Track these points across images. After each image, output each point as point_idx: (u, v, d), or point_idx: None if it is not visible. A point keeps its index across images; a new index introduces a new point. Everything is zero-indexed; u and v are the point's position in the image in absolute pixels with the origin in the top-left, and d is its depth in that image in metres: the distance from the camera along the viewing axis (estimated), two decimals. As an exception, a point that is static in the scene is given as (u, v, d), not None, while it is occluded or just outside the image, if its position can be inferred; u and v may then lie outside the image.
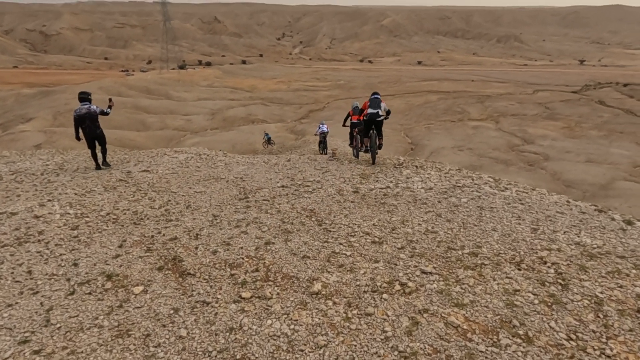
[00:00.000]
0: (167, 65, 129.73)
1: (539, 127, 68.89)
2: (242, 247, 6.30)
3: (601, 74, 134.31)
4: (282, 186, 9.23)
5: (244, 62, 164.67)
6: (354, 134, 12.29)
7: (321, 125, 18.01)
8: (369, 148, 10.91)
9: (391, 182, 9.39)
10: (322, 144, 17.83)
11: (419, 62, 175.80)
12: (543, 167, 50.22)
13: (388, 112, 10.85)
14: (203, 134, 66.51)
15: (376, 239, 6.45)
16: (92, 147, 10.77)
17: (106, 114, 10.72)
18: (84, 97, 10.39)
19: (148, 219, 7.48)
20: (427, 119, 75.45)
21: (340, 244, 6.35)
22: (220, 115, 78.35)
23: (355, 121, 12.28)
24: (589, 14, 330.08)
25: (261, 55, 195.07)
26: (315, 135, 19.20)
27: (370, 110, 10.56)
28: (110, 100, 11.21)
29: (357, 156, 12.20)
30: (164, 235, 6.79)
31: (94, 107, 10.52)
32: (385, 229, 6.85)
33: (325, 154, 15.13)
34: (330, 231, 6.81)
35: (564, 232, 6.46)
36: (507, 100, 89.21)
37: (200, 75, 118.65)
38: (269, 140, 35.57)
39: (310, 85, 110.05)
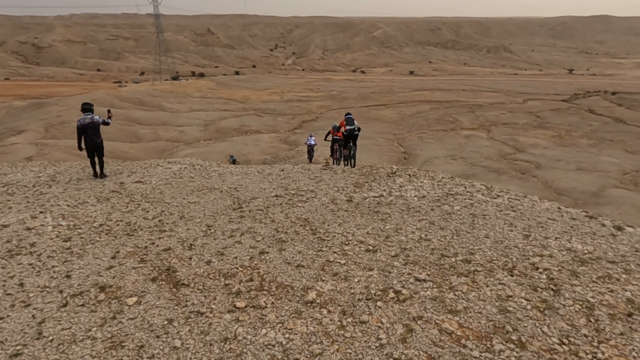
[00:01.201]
0: (160, 77, 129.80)
1: (530, 135, 69.64)
2: (236, 257, 6.29)
3: (590, 82, 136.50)
4: (276, 196, 9.24)
5: (237, 73, 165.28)
6: (335, 147, 14.60)
7: (309, 138, 21.09)
8: (349, 157, 13.02)
9: (384, 190, 9.42)
10: (309, 154, 20.43)
11: (411, 72, 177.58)
12: (535, 175, 50.64)
13: (359, 129, 13.14)
14: (196, 145, 66.37)
15: (370, 248, 6.46)
16: (92, 156, 10.98)
17: (107, 124, 11.02)
18: (87, 108, 10.70)
19: (141, 230, 7.46)
20: (419, 129, 75.98)
21: (335, 252, 6.36)
22: (214, 126, 78.33)
23: (336, 137, 14.44)
24: (577, 24, 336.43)
25: (254, 67, 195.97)
26: (305, 144, 21.97)
27: (348, 127, 12.83)
28: (109, 111, 11.45)
29: (337, 164, 14.13)
30: (157, 246, 6.76)
31: (97, 117, 10.81)
32: (379, 237, 6.87)
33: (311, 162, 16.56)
34: (324, 240, 6.82)
35: (556, 238, 6.53)
36: (498, 110, 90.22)
37: (193, 87, 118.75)
38: (234, 162, 35.95)
39: (303, 95, 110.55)
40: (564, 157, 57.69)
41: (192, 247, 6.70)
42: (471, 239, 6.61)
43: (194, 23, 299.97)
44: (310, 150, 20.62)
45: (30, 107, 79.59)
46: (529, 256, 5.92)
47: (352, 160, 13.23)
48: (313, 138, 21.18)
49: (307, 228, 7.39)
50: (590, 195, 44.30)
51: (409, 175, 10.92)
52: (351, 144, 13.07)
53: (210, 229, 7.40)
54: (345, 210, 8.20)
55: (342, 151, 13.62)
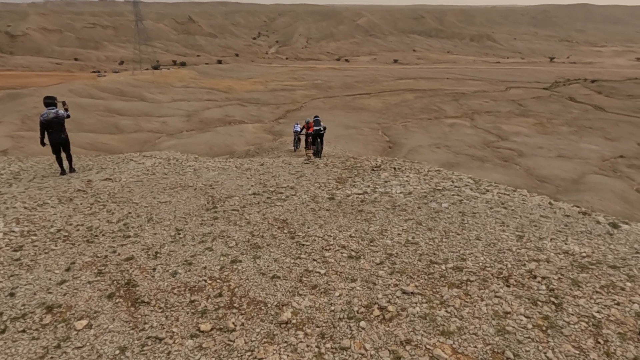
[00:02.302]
0: (140, 66, 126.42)
1: (513, 123, 70.06)
2: (205, 267, 5.70)
3: (570, 71, 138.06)
4: (254, 194, 8.70)
5: (219, 62, 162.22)
6: (308, 140, 16.45)
7: (296, 125, 22.21)
8: (316, 152, 15.00)
9: (368, 186, 8.93)
10: (296, 141, 21.35)
11: (395, 61, 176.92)
12: (517, 162, 50.95)
13: (324, 128, 15.49)
14: (179, 136, 64.90)
15: (353, 253, 5.95)
16: (57, 152, 10.39)
17: (69, 117, 10.46)
18: (50, 102, 10.08)
19: (103, 235, 6.82)
20: (404, 118, 75.74)
21: (314, 260, 5.83)
22: (197, 116, 76.72)
23: (309, 132, 16.28)
24: (558, 12, 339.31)
25: (237, 55, 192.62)
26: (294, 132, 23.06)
27: (315, 127, 15.25)
28: (64, 103, 10.66)
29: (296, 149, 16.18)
30: (119, 254, 6.14)
31: (61, 111, 10.20)
32: (362, 240, 6.36)
33: (298, 149, 17.75)
34: (303, 245, 6.32)
35: (551, 240, 6.11)
36: (481, 98, 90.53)
37: (175, 76, 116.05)
38: None
39: (287, 85, 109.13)
40: (546, 144, 58.20)
41: (158, 255, 6.09)
42: (461, 242, 6.14)
43: (175, 11, 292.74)
44: (298, 138, 21.40)
45: (5, 98, 76.55)
46: (524, 261, 5.45)
47: (319, 154, 15.28)
48: (299, 125, 22.01)
49: (286, 231, 6.84)
50: (571, 182, 44.75)
51: (394, 168, 10.43)
52: (318, 140, 15.37)
53: (179, 234, 6.81)
54: (327, 210, 7.68)
55: (309, 144, 15.80)
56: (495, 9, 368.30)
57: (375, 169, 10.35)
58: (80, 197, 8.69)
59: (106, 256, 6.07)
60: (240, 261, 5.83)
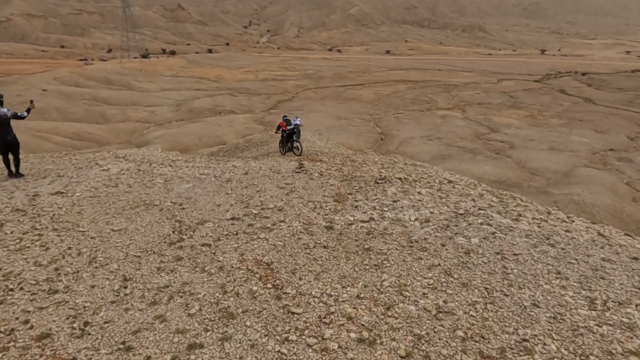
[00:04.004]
0: (128, 54, 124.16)
1: (504, 115, 70.34)
2: (149, 358, 4.17)
3: (561, 63, 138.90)
4: (233, 218, 7.17)
5: (209, 51, 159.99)
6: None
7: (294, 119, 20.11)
8: (291, 148, 15.50)
9: (374, 208, 7.42)
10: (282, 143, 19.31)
11: (387, 52, 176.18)
12: (509, 155, 51.18)
13: (297, 124, 15.82)
14: (168, 126, 64.00)
15: (365, 334, 4.41)
16: (4, 154, 9.35)
17: (21, 117, 9.20)
18: None
19: (22, 289, 5.20)
20: (395, 109, 75.59)
21: (309, 345, 4.27)
22: (186, 106, 75.72)
23: (285, 131, 16.27)
24: (548, 4, 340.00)
25: (227, 44, 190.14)
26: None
27: (288, 127, 15.64)
28: (31, 102, 9.68)
29: (284, 153, 16.10)
30: (31, 327, 4.53)
31: (4, 110, 9.11)
32: (376, 305, 4.83)
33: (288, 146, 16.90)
34: (293, 314, 4.72)
35: (637, 306, 4.69)
36: (472, 90, 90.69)
37: (164, 65, 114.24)
38: None
39: (278, 74, 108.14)
40: (537, 136, 58.53)
41: (86, 331, 4.50)
42: (514, 310, 4.59)
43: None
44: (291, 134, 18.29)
45: (-13, 85, 74.67)
46: (618, 355, 4.00)
47: (298, 149, 15.58)
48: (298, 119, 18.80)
49: (270, 285, 5.29)
50: (561, 175, 45.08)
51: (401, 180, 8.94)
52: (294, 138, 15.82)
53: (126, 287, 5.27)
54: (325, 247, 6.16)
55: (286, 142, 16.01)
56: (486, 0, 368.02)
57: (380, 181, 8.91)
58: (15, 222, 7.06)
59: (12, 331, 4.45)
60: (202, 346, 4.27)
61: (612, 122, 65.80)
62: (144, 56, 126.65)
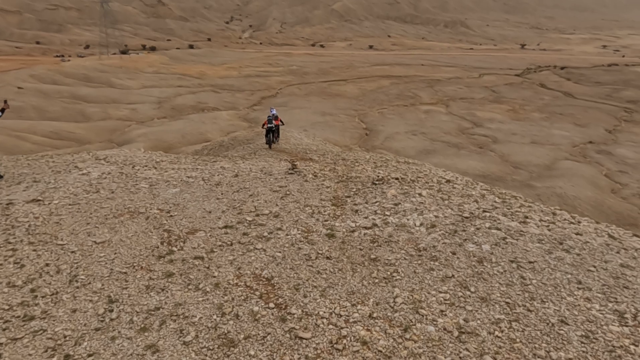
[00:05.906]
0: (107, 51, 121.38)
1: (487, 110, 71.17)
2: None
3: (540, 57, 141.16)
4: (225, 226, 6.69)
5: (191, 47, 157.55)
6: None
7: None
8: (270, 141, 16.72)
9: (376, 212, 7.03)
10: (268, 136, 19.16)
11: (371, 47, 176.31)
12: (492, 149, 51.84)
13: (282, 123, 17.32)
14: (150, 124, 62.88)
15: None
16: None
17: None
18: None
19: None
20: (380, 104, 75.75)
21: None
22: (168, 103, 74.50)
23: (269, 126, 17.11)
24: (528, 0, 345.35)
25: (209, 40, 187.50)
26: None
27: (268, 125, 16.63)
28: (5, 102, 9.14)
29: (269, 147, 17.03)
30: None
31: None
32: (391, 327, 4.28)
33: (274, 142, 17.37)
34: (302, 339, 4.19)
35: None
36: (455, 84, 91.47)
37: (144, 62, 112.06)
38: None
39: (262, 70, 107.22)
40: (519, 130, 59.41)
41: None
42: (542, 328, 4.16)
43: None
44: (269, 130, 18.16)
45: (-41, 84, 72.10)
46: None
47: (272, 144, 16.88)
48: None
49: (271, 304, 4.77)
50: (544, 167, 45.86)
51: (398, 180, 8.56)
52: (274, 133, 17.03)
53: (111, 310, 4.63)
54: (328, 258, 5.66)
55: (270, 137, 17.00)
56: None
57: (377, 182, 8.56)
58: (-17, 236, 6.19)
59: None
60: None
61: (591, 115, 67.20)
62: (124, 52, 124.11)
